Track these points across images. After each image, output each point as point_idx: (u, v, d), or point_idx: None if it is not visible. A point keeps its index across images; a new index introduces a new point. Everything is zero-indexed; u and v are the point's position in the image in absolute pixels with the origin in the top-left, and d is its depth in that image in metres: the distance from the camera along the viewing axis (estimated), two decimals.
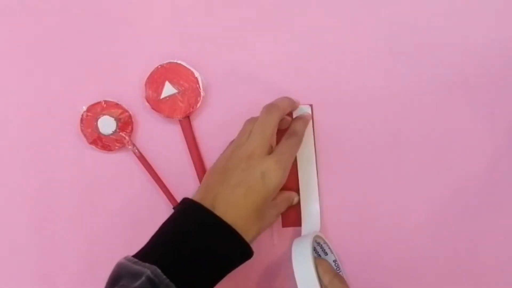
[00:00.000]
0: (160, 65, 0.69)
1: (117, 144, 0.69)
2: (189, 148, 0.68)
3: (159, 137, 0.70)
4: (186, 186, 0.68)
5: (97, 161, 0.69)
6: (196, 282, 0.53)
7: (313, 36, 0.70)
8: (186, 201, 0.58)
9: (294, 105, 0.66)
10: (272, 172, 0.57)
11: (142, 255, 0.54)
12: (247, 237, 0.56)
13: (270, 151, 0.60)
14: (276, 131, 0.62)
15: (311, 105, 0.68)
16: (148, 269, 0.51)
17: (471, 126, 0.68)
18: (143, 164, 0.68)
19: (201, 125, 0.70)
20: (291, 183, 0.66)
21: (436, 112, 0.68)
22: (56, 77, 0.70)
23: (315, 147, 0.67)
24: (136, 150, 0.69)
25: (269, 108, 0.62)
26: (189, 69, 0.69)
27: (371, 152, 0.68)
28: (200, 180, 0.68)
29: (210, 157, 0.69)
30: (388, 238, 0.67)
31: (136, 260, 0.53)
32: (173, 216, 0.57)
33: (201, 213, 0.56)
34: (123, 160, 0.69)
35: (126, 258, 0.54)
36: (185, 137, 0.69)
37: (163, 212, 0.68)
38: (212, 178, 0.59)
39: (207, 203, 0.56)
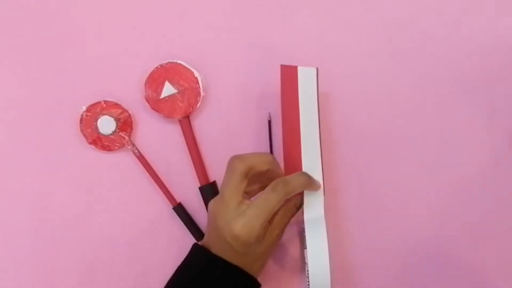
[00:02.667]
0: (160, 65, 0.69)
1: (117, 144, 0.69)
2: (188, 148, 0.68)
3: (159, 137, 0.70)
4: (186, 186, 0.68)
5: (96, 161, 0.69)
6: None
7: (313, 36, 0.70)
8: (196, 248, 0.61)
9: (310, 186, 0.60)
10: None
11: None
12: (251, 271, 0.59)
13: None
14: (274, 211, 0.57)
15: (316, 68, 0.63)
16: None
17: (471, 125, 0.68)
18: (142, 164, 0.68)
19: (201, 125, 0.70)
20: (294, 162, 0.62)
21: (436, 111, 0.68)
22: (56, 77, 0.70)
23: (319, 123, 0.62)
24: (136, 150, 0.69)
25: (278, 185, 0.57)
26: (189, 69, 0.68)
27: (371, 152, 0.68)
28: (200, 180, 0.68)
29: (210, 157, 0.69)
30: (388, 237, 0.67)
31: None
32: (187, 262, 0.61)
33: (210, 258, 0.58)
34: (122, 160, 0.69)
35: None
36: (185, 137, 0.69)
37: (163, 212, 0.68)
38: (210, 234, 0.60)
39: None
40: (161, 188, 0.68)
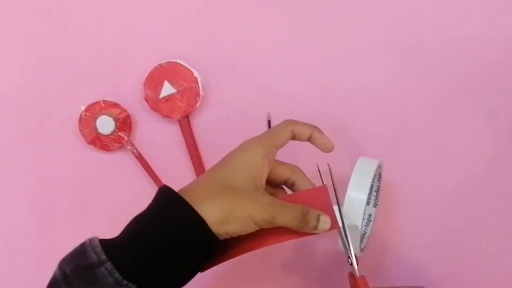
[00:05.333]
0: (159, 64, 0.68)
1: (116, 144, 0.69)
2: (188, 148, 0.68)
3: (158, 137, 0.69)
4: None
5: (95, 161, 0.69)
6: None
7: (313, 36, 0.70)
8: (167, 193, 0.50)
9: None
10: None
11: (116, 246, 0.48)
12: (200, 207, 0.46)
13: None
14: (282, 144, 0.52)
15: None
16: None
17: (471, 125, 0.68)
18: (141, 164, 0.68)
19: (200, 125, 0.69)
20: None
21: (436, 111, 0.68)
22: (55, 77, 0.70)
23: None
24: (135, 150, 0.68)
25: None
26: (188, 69, 0.68)
27: (370, 152, 0.68)
28: None
29: (209, 157, 0.69)
30: (389, 237, 0.67)
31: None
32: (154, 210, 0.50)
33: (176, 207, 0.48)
34: (121, 160, 0.69)
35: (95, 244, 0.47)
36: (184, 137, 0.69)
37: None
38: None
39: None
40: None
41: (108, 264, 0.45)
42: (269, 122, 0.68)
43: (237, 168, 0.49)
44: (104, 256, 0.45)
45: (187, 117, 0.69)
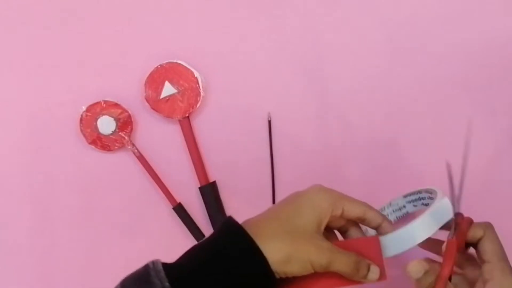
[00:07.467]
0: (160, 65, 0.69)
1: (117, 144, 0.69)
2: (188, 148, 0.68)
3: (159, 137, 0.69)
4: (186, 186, 0.68)
5: (96, 161, 0.69)
6: None
7: (313, 36, 0.70)
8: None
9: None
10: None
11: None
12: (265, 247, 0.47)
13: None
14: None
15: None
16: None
17: (471, 125, 0.68)
18: (142, 164, 0.68)
19: (201, 125, 0.69)
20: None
21: (436, 111, 0.68)
22: (56, 77, 0.70)
23: None
24: (136, 150, 0.69)
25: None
26: (189, 69, 0.68)
27: (370, 152, 0.68)
28: (200, 180, 0.68)
29: (210, 157, 0.69)
30: None
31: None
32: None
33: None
34: (122, 160, 0.69)
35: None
36: (185, 137, 0.69)
37: (162, 212, 0.68)
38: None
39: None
40: (161, 188, 0.68)
41: None
42: (269, 122, 0.68)
43: (305, 209, 0.50)
44: (167, 284, 0.46)
45: (187, 117, 0.69)
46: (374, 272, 0.51)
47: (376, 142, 0.68)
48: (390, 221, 0.54)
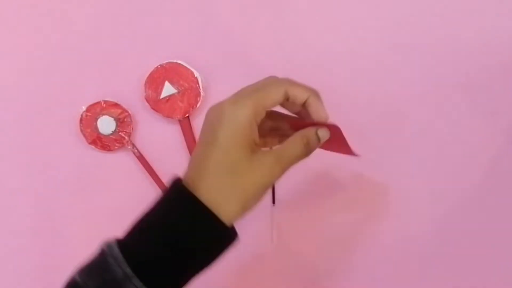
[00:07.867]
0: (160, 65, 0.69)
1: (117, 144, 0.69)
2: (188, 148, 0.68)
3: (159, 137, 0.70)
4: None
5: (96, 161, 0.69)
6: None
7: (313, 36, 0.70)
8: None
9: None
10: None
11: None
12: (223, 209, 0.46)
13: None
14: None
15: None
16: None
17: (471, 125, 0.68)
18: (142, 164, 0.68)
19: (201, 125, 0.69)
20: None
21: (436, 111, 0.68)
22: (56, 77, 0.70)
23: None
24: (136, 150, 0.69)
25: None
26: (189, 69, 0.68)
27: (370, 152, 0.68)
28: None
29: None
30: (389, 237, 0.67)
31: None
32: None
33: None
34: (122, 160, 0.69)
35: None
36: (185, 137, 0.69)
37: None
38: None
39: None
40: (161, 188, 0.68)
41: (136, 281, 0.45)
42: None
43: (230, 142, 0.47)
44: (129, 270, 0.45)
45: (187, 117, 0.69)
46: (323, 133, 0.50)
47: (374, 142, 0.68)
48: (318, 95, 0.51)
